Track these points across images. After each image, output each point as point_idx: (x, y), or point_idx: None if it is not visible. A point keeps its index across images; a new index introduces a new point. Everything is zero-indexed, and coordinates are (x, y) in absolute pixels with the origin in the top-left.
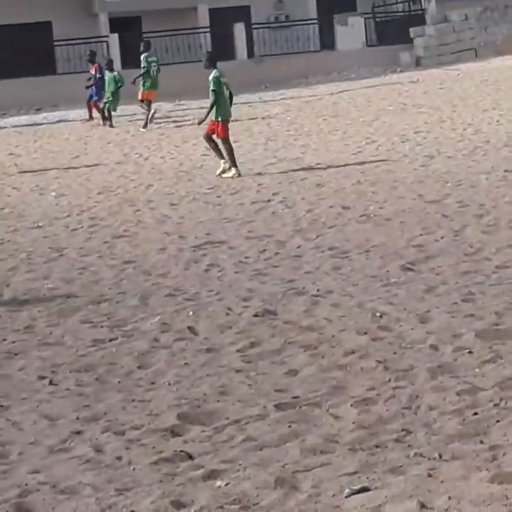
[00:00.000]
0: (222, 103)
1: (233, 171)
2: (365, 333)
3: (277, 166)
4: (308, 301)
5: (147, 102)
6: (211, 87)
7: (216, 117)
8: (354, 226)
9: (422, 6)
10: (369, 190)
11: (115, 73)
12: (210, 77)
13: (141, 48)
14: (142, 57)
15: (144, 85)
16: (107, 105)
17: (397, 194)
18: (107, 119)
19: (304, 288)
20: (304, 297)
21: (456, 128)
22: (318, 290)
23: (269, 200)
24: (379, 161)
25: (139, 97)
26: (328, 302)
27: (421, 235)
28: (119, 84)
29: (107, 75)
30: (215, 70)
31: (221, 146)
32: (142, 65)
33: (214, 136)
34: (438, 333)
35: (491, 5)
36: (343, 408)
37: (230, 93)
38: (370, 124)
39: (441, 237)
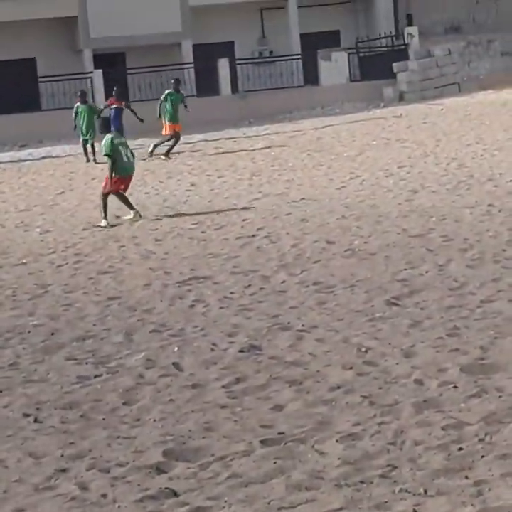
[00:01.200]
0: (118, 163)
1: (132, 213)
2: (351, 368)
3: (262, 201)
4: (293, 336)
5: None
6: (103, 153)
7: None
8: (339, 261)
9: (405, 41)
10: (353, 224)
11: (90, 104)
12: (103, 143)
13: (174, 85)
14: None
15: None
16: (89, 141)
17: (382, 229)
18: (90, 154)
19: (288, 323)
20: (289, 332)
21: (440, 162)
22: (303, 325)
23: (253, 235)
24: (363, 195)
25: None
26: (313, 337)
27: (405, 269)
28: (96, 116)
29: (81, 107)
30: (108, 135)
31: (117, 198)
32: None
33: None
34: (423, 368)
35: (474, 40)
36: (328, 444)
37: (131, 152)
38: (354, 158)
39: (426, 272)
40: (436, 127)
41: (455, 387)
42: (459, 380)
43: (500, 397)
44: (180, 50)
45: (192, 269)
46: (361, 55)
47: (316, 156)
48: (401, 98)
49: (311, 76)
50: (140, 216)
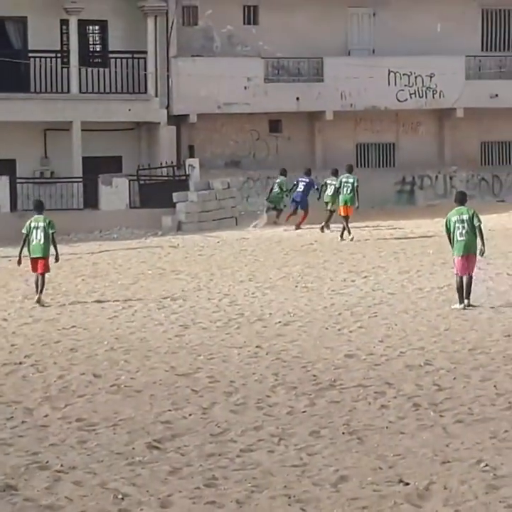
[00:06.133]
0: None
1: None
2: None
3: (32, 327)
4: (50, 477)
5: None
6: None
7: None
8: (104, 396)
9: (185, 172)
10: (122, 358)
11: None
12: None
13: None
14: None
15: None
16: None
17: (150, 364)
18: None
19: (47, 462)
20: (47, 473)
21: (213, 298)
22: (61, 465)
23: (20, 363)
24: (134, 327)
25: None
26: (70, 479)
27: (170, 410)
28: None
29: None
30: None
31: None
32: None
33: None
34: None
35: (253, 175)
36: None
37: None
38: (128, 287)
39: (190, 415)
40: (211, 260)
41: None
42: None
43: None
44: None
45: None
46: (142, 182)
47: (91, 282)
48: (179, 228)
49: (91, 199)
50: None
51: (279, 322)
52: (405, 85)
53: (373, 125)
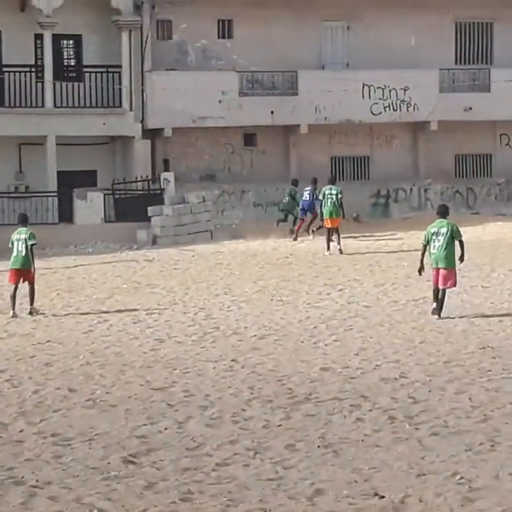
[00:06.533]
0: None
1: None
2: None
3: (7, 341)
4: (26, 493)
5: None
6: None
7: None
8: (79, 411)
9: (160, 185)
10: (97, 372)
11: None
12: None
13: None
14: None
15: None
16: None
17: (125, 379)
18: None
19: (22, 477)
20: (22, 488)
21: (188, 311)
22: (37, 480)
23: None
24: (109, 342)
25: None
26: (46, 494)
27: (145, 424)
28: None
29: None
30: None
31: None
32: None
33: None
34: None
35: (228, 189)
36: None
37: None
38: (104, 301)
39: (165, 429)
40: (186, 274)
41: None
42: None
43: None
44: None
45: None
46: (117, 196)
47: (66, 297)
48: (154, 242)
49: (66, 214)
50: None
51: (255, 336)
52: (379, 99)
53: (348, 138)
